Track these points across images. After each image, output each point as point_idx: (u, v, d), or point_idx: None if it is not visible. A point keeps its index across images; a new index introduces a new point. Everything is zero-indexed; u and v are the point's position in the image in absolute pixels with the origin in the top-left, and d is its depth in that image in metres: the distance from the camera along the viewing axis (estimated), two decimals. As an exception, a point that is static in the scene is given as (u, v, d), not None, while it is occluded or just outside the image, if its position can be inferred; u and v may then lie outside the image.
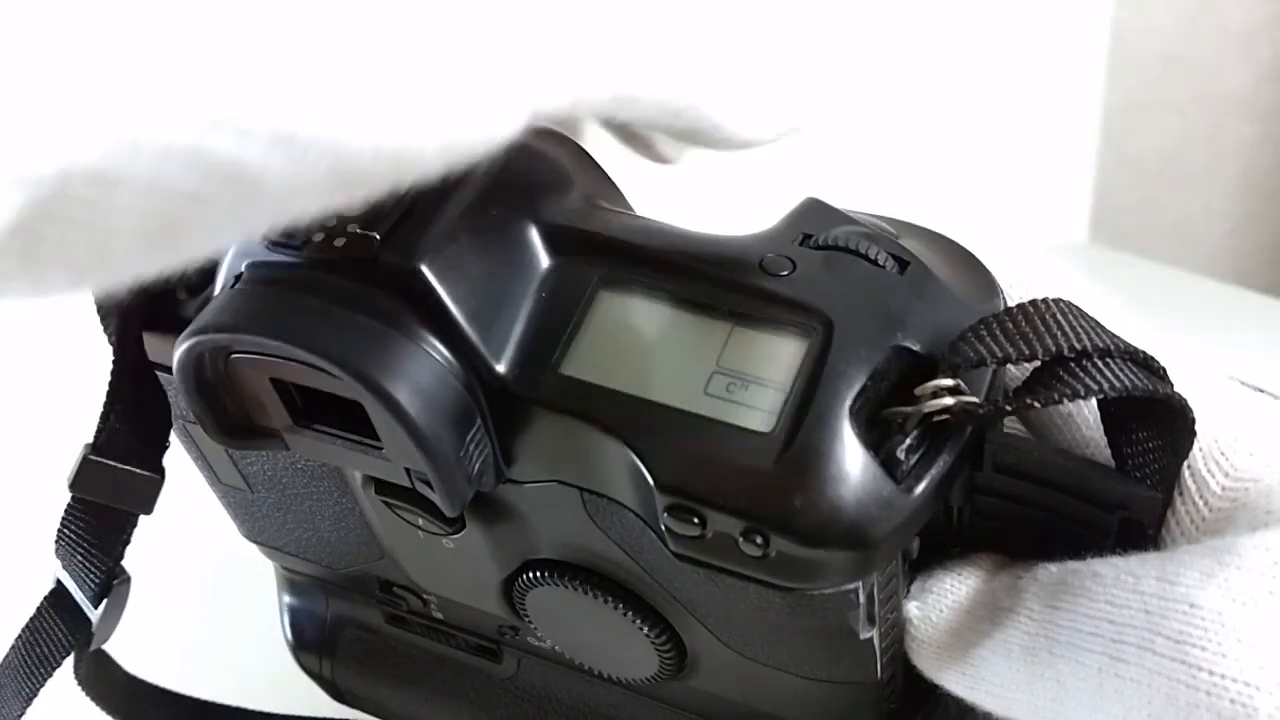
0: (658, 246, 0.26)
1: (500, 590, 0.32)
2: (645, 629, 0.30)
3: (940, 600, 0.27)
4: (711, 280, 0.26)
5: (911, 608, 0.27)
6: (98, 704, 0.37)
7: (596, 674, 0.34)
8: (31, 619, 0.34)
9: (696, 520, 0.25)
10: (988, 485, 0.26)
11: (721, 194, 0.26)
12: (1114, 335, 0.24)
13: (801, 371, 0.25)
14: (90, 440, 0.31)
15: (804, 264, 0.26)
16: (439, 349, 0.25)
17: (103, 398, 0.31)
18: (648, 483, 0.25)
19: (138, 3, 0.17)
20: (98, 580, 0.33)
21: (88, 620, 0.34)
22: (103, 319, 0.31)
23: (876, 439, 0.24)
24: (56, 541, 0.32)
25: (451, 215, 0.26)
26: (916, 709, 0.31)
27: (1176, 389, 0.24)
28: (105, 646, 0.36)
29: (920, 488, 0.24)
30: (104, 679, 0.37)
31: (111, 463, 0.31)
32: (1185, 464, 0.25)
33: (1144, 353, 0.24)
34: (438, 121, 0.20)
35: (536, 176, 0.27)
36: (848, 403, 0.24)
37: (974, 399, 0.24)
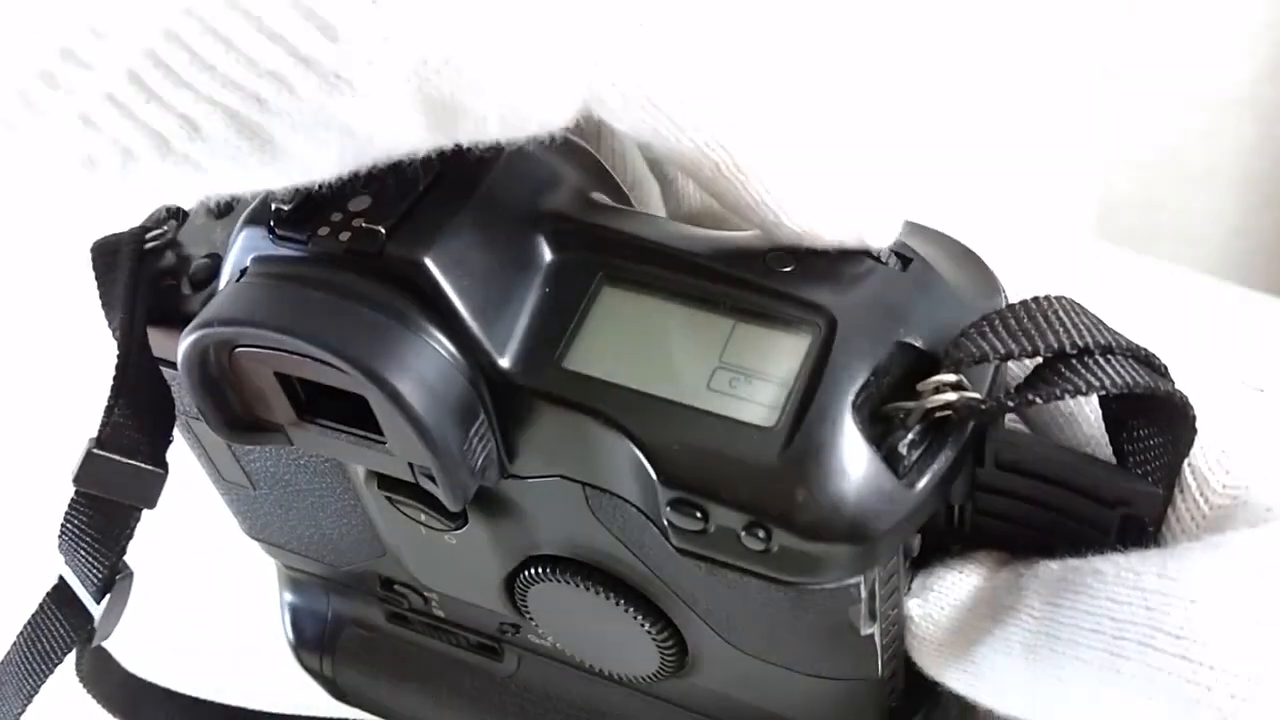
0: (661, 242, 0.27)
1: (502, 587, 0.32)
2: (647, 625, 0.30)
3: (941, 598, 0.27)
4: (715, 276, 0.26)
5: (913, 605, 0.27)
6: (99, 701, 0.37)
7: (597, 672, 0.34)
8: (34, 615, 0.34)
9: (699, 514, 0.25)
10: (989, 482, 0.26)
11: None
12: (1116, 332, 0.25)
13: (804, 367, 0.25)
14: (94, 435, 0.31)
15: (806, 260, 0.26)
16: (443, 343, 0.26)
17: (106, 393, 0.31)
18: (650, 477, 0.25)
19: None
20: (100, 575, 0.33)
21: (89, 616, 0.34)
22: (107, 313, 0.31)
23: (879, 434, 0.24)
24: (60, 536, 0.32)
25: (456, 210, 0.26)
26: (917, 707, 0.31)
27: (1178, 386, 0.25)
28: (106, 644, 0.36)
29: (922, 483, 0.24)
30: (105, 676, 0.37)
31: (115, 457, 0.31)
32: (1186, 462, 0.25)
33: (1145, 350, 0.24)
34: (506, 95, 0.22)
35: (541, 173, 0.28)
36: (850, 398, 0.24)
37: (976, 395, 0.24)
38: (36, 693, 0.34)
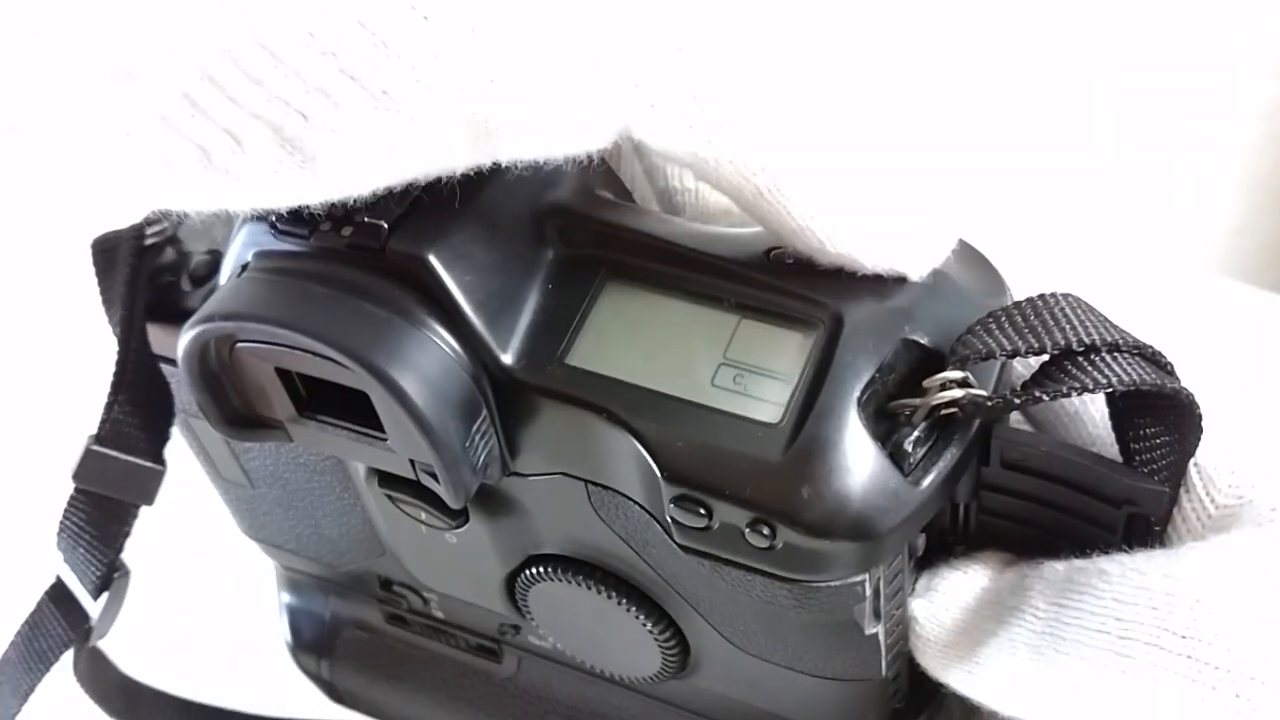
0: (665, 238, 0.26)
1: (502, 587, 0.32)
2: (649, 625, 0.30)
3: (945, 598, 0.27)
4: (719, 272, 0.26)
5: (917, 605, 0.27)
6: (96, 701, 0.37)
7: (598, 674, 0.34)
8: (31, 614, 0.34)
9: (703, 511, 0.25)
10: (994, 481, 0.26)
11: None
12: (1122, 330, 0.24)
13: (809, 363, 0.25)
14: (94, 431, 0.31)
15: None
16: (446, 338, 0.25)
17: (106, 389, 0.31)
18: (654, 474, 0.25)
19: None
20: (98, 573, 0.33)
21: (86, 615, 0.34)
22: (107, 310, 0.31)
23: (884, 431, 0.24)
24: (59, 533, 0.32)
25: (460, 206, 0.26)
26: (921, 708, 0.31)
27: (1184, 385, 0.24)
28: (104, 644, 0.36)
29: (927, 480, 0.24)
30: (101, 676, 0.37)
31: (114, 454, 0.31)
32: (1193, 461, 0.25)
33: (1151, 348, 0.24)
34: (548, 115, 0.22)
35: (544, 169, 0.27)
36: (855, 394, 0.24)
37: (982, 392, 0.24)
38: (33, 691, 0.34)
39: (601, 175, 0.29)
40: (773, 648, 0.29)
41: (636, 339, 0.26)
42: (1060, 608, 0.24)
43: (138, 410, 0.31)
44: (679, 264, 0.26)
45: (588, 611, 0.30)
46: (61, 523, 0.32)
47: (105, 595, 0.33)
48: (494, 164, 0.24)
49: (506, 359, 0.26)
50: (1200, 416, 0.25)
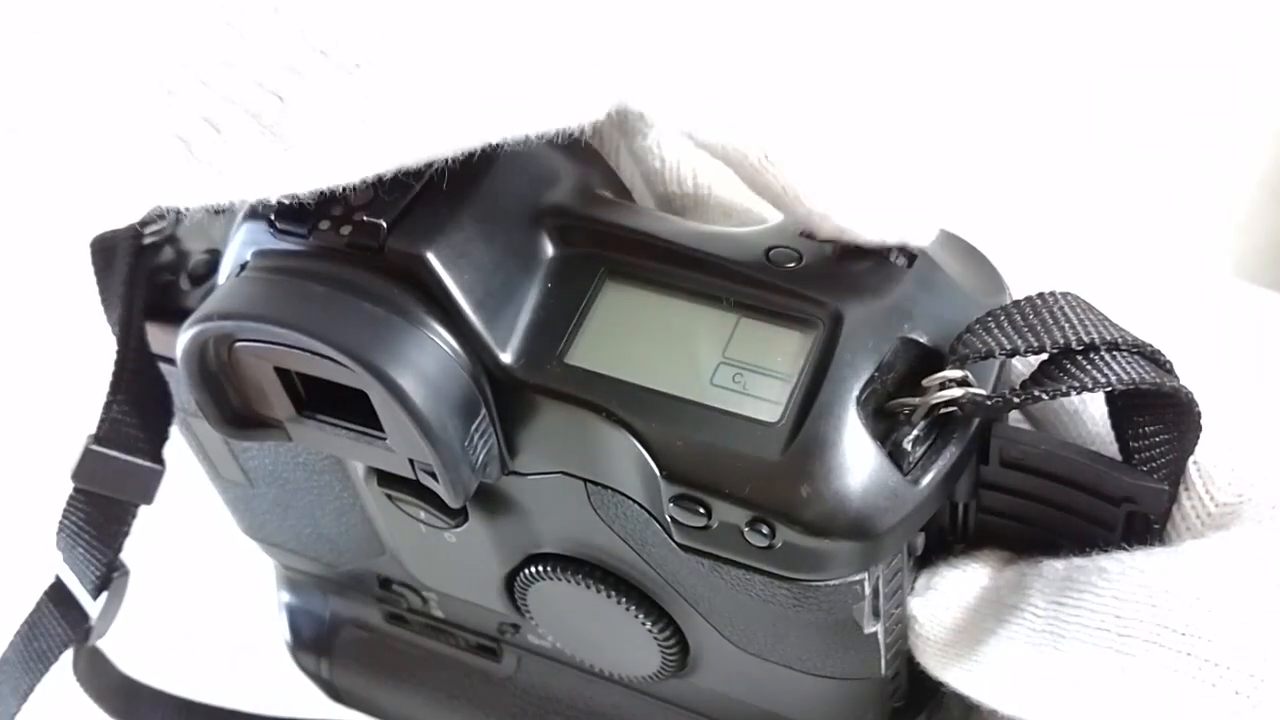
0: (664, 238, 0.26)
1: (502, 586, 0.32)
2: (648, 624, 0.30)
3: (945, 597, 0.27)
4: (718, 272, 0.26)
5: (916, 604, 0.27)
6: (95, 701, 0.37)
7: (597, 672, 0.34)
8: (31, 613, 0.34)
9: (702, 510, 0.25)
10: (994, 480, 0.26)
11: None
12: (1121, 328, 0.24)
13: (808, 362, 0.25)
14: (93, 431, 0.31)
15: (810, 256, 0.26)
16: (445, 337, 0.25)
17: (105, 389, 0.31)
18: (653, 472, 0.25)
19: None
20: (98, 572, 0.32)
21: (86, 615, 0.34)
22: (106, 309, 0.31)
23: (883, 430, 0.24)
24: (58, 533, 0.32)
25: (458, 205, 0.26)
26: (920, 707, 0.31)
27: (1183, 383, 0.24)
28: (103, 643, 0.36)
29: (927, 479, 0.24)
30: (101, 676, 0.37)
31: (113, 453, 0.31)
32: (1192, 460, 0.25)
33: (1151, 346, 0.24)
34: (540, 89, 0.22)
35: (542, 167, 0.27)
36: (855, 393, 0.24)
37: (981, 391, 0.24)
38: (32, 691, 0.34)
39: (601, 175, 0.29)
40: (772, 647, 0.29)
41: (636, 338, 0.26)
42: (1060, 606, 0.24)
43: (137, 410, 0.31)
44: (678, 263, 0.26)
45: (587, 611, 0.30)
46: (61, 522, 0.32)
47: (104, 595, 0.33)
48: (486, 146, 0.24)
49: (506, 358, 0.26)
50: (1199, 415, 0.25)
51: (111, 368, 0.31)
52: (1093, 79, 0.42)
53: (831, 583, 0.25)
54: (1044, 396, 0.24)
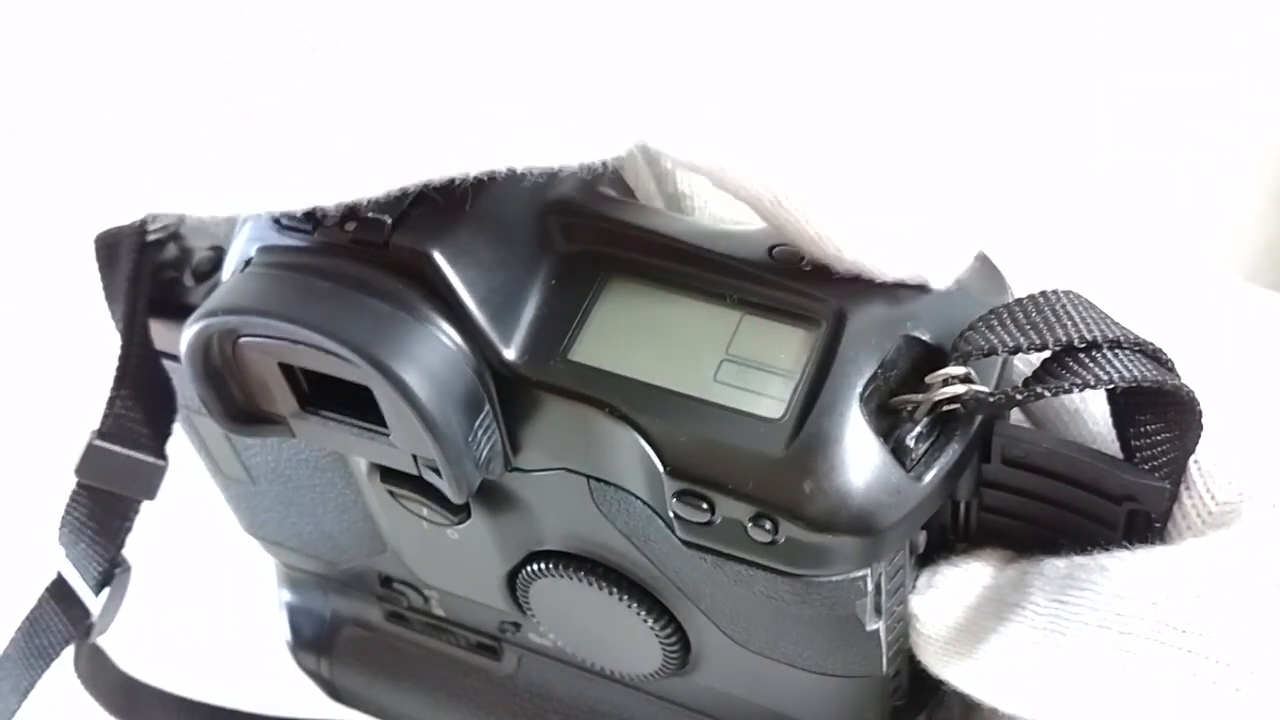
0: (668, 235, 0.27)
1: (504, 583, 0.32)
2: (650, 621, 0.30)
3: (946, 595, 0.27)
4: (722, 269, 0.26)
5: (917, 602, 0.27)
6: (96, 699, 0.37)
7: (598, 671, 0.34)
8: (32, 610, 0.34)
9: (705, 506, 0.25)
10: (995, 478, 0.26)
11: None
12: (1123, 326, 0.25)
13: (812, 359, 0.25)
14: (96, 426, 0.31)
15: None
16: (449, 334, 0.25)
17: (107, 386, 0.31)
18: (656, 468, 0.25)
19: None
20: (100, 568, 0.33)
21: (88, 611, 0.34)
22: (110, 306, 0.31)
23: (886, 427, 0.24)
24: (60, 528, 0.32)
25: (463, 201, 0.26)
26: (921, 706, 0.31)
27: (1184, 381, 0.25)
28: (103, 641, 0.36)
29: (929, 476, 0.24)
30: (102, 675, 0.37)
31: (116, 449, 0.31)
32: (1193, 458, 0.25)
33: (1152, 344, 0.24)
34: (561, 126, 0.22)
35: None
36: (858, 390, 0.24)
37: (984, 388, 0.24)
38: (33, 688, 0.34)
39: (605, 174, 0.29)
40: (774, 644, 0.29)
41: (639, 335, 0.26)
42: (1061, 604, 0.24)
43: (140, 405, 0.31)
44: (682, 260, 0.26)
45: (589, 608, 0.30)
46: (63, 518, 0.32)
47: (106, 591, 0.33)
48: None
49: (509, 354, 0.26)
50: (1201, 413, 0.25)
51: (115, 364, 0.31)
52: (1094, 80, 0.42)
53: (834, 579, 0.25)
54: (1046, 393, 0.24)
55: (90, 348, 0.33)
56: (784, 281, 0.26)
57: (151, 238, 0.31)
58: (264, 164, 0.22)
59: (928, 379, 0.24)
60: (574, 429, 0.26)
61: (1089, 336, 0.24)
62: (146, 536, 0.33)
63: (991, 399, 0.24)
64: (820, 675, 0.29)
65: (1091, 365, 0.24)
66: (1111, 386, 0.24)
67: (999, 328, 0.24)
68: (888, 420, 0.24)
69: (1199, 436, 0.25)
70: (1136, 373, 0.24)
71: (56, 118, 0.21)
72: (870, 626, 0.26)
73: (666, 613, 0.30)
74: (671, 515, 0.25)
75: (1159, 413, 0.25)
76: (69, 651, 0.35)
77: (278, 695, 0.40)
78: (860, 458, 0.24)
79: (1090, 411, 0.27)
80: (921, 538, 0.27)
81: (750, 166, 0.24)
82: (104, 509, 0.32)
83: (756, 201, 0.24)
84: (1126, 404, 0.25)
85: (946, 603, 0.27)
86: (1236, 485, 0.25)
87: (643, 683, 0.33)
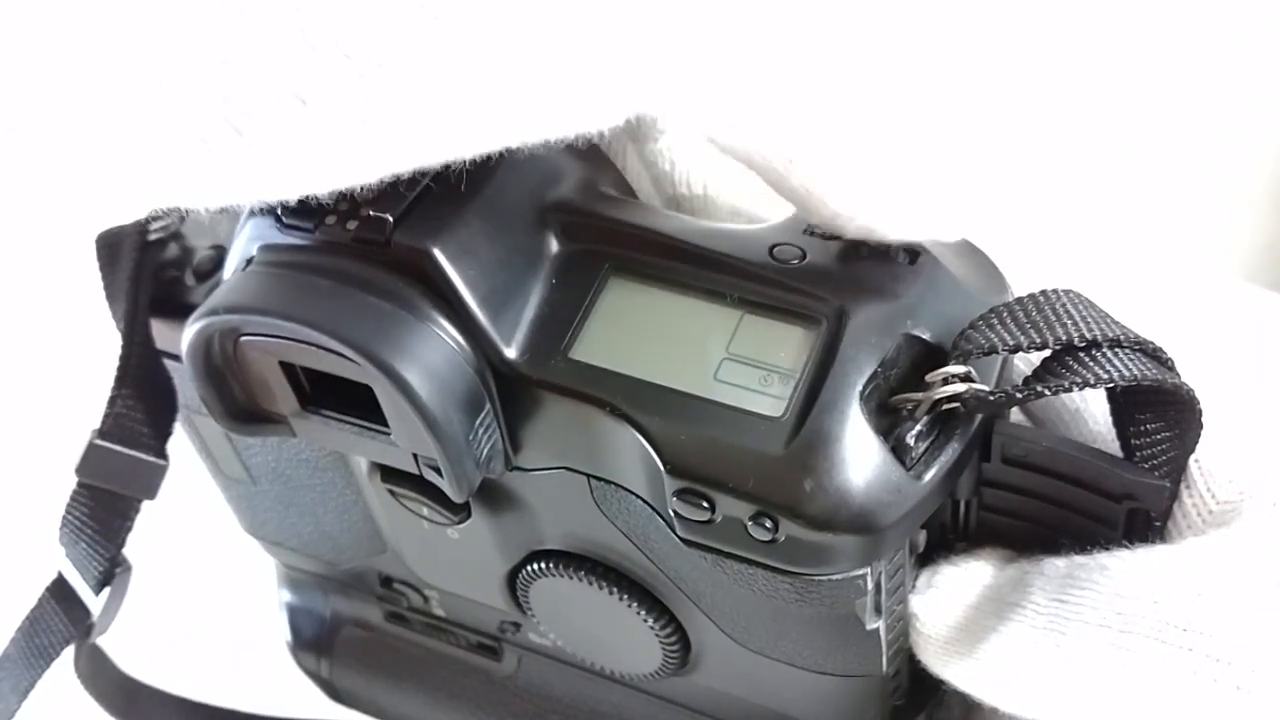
0: (668, 234, 0.27)
1: (504, 583, 0.32)
2: (650, 621, 0.30)
3: (946, 594, 0.27)
4: (722, 268, 0.26)
5: (917, 602, 0.27)
6: (96, 699, 0.37)
7: (598, 671, 0.34)
8: (32, 610, 0.34)
9: (705, 504, 0.25)
10: (995, 477, 0.26)
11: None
12: (1123, 325, 0.25)
13: (812, 358, 0.25)
14: (97, 426, 0.31)
15: (814, 253, 0.26)
16: (450, 332, 0.25)
17: (108, 385, 0.31)
18: (657, 467, 0.25)
19: None
20: (100, 568, 0.32)
21: (88, 611, 0.34)
22: (111, 305, 0.31)
23: (886, 425, 0.24)
24: (61, 528, 0.32)
25: (464, 200, 0.26)
26: (921, 705, 0.31)
27: (1184, 380, 0.25)
28: (103, 641, 0.36)
29: (929, 475, 0.24)
30: (102, 675, 0.37)
31: (117, 448, 0.31)
32: (1194, 457, 0.25)
33: (1152, 343, 0.25)
34: (559, 95, 0.22)
35: (548, 164, 0.28)
36: (858, 389, 0.24)
37: (984, 387, 0.24)
38: (33, 688, 0.34)
39: (606, 172, 0.29)
40: (774, 643, 0.29)
41: (640, 333, 0.26)
42: (1061, 603, 0.24)
43: (141, 405, 0.31)
44: (682, 259, 0.26)
45: (589, 607, 0.30)
46: (64, 517, 0.32)
47: (107, 590, 0.33)
48: (502, 150, 0.23)
49: (510, 353, 0.26)
50: (1201, 412, 0.25)
51: (116, 363, 0.31)
52: (1094, 80, 0.42)
53: (834, 577, 0.25)
54: (1046, 392, 0.24)
55: (91, 347, 0.33)
56: (784, 280, 0.26)
57: (153, 237, 0.31)
58: (263, 158, 0.22)
59: (928, 378, 0.24)
60: (574, 428, 0.26)
61: (1089, 335, 0.24)
62: (146, 536, 0.33)
63: (992, 398, 0.24)
64: (820, 675, 0.29)
65: (1091, 364, 0.24)
66: (1111, 385, 0.24)
67: (999, 326, 0.24)
68: (888, 419, 0.24)
69: (1199, 435, 0.25)
70: (1137, 372, 0.24)
71: (57, 118, 0.21)
72: (870, 625, 0.26)
73: (667, 612, 0.30)
74: (672, 514, 0.25)
75: (1159, 412, 0.25)
76: (69, 651, 0.35)
77: (278, 695, 0.40)
78: (860, 456, 0.24)
79: (1090, 410, 0.27)
80: (921, 537, 0.27)
81: (755, 128, 0.23)
82: (104, 508, 0.32)
83: (764, 164, 0.24)
84: (1127, 403, 0.25)
85: (946, 602, 0.27)
86: (1237, 484, 0.25)
87: (643, 682, 0.33)
